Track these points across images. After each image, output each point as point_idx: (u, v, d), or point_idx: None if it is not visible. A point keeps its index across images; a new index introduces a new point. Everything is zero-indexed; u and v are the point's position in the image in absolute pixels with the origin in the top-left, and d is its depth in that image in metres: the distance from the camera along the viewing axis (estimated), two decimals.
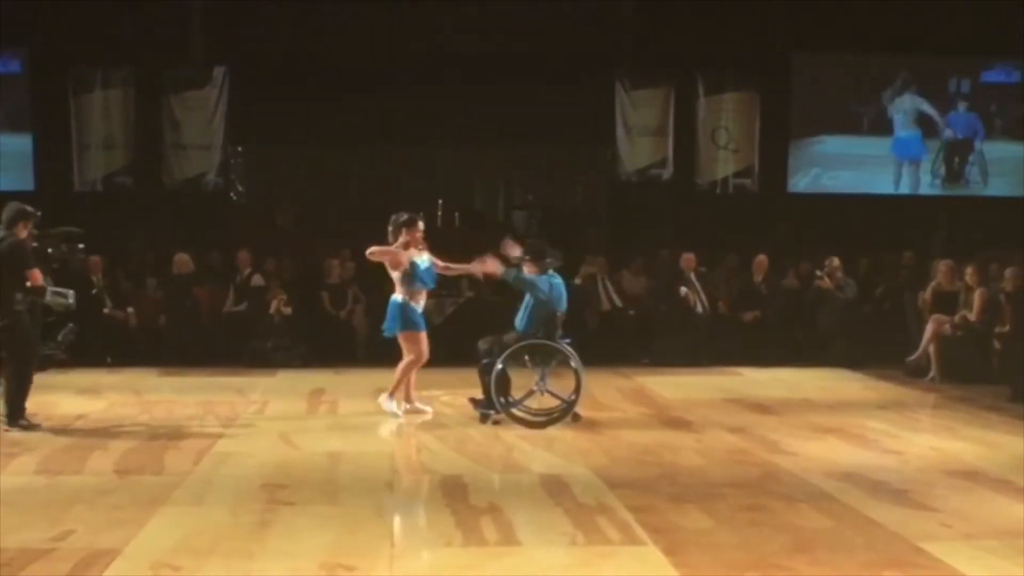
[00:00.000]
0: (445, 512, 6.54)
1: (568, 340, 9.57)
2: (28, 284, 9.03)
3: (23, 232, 9.15)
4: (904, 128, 17.80)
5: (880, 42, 17.06)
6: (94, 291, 13.86)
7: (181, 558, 5.55)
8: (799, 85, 17.58)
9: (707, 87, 17.37)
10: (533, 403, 9.60)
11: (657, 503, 6.73)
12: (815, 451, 8.45)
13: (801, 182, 17.68)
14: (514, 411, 9.43)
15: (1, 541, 5.77)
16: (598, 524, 6.23)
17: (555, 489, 7.10)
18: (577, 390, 9.41)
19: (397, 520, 6.30)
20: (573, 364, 9.43)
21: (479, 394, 9.58)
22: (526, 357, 9.47)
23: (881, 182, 17.84)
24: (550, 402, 9.57)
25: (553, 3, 16.90)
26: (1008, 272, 12.54)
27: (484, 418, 9.44)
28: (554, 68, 16.51)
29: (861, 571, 5.42)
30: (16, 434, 8.84)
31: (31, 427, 9.04)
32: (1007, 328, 12.20)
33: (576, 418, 9.45)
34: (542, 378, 9.51)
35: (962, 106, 17.82)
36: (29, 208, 9.28)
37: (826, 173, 17.74)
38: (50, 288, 9.31)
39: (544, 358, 9.51)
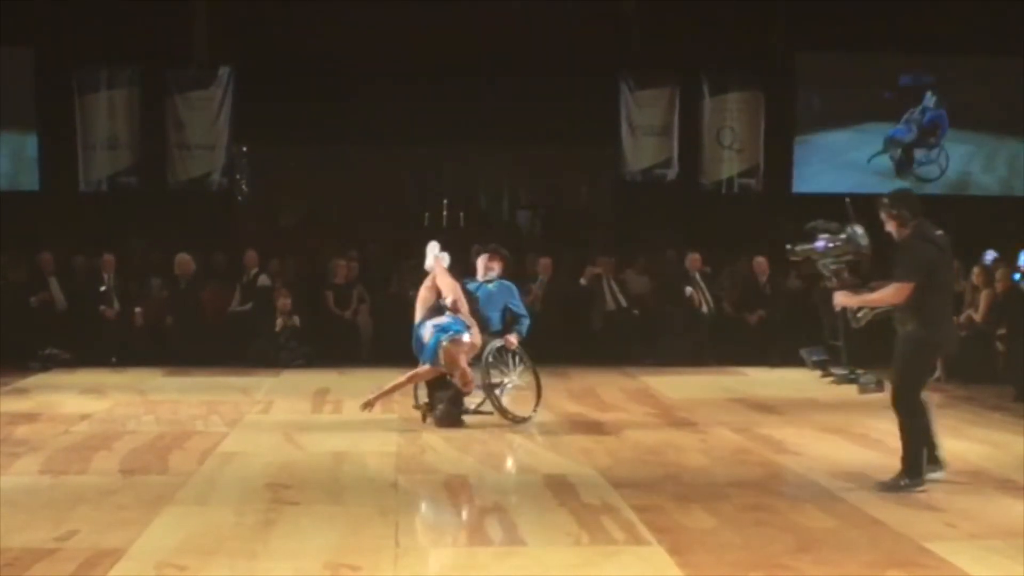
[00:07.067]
0: (449, 512, 6.54)
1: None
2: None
3: None
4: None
5: (884, 41, 17.03)
6: (103, 288, 13.93)
7: (185, 558, 5.55)
8: (804, 85, 17.56)
9: (712, 87, 17.35)
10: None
11: (662, 503, 6.72)
12: (820, 451, 8.46)
13: (805, 182, 17.65)
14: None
15: (5, 541, 5.77)
16: (602, 524, 6.23)
17: (559, 489, 7.09)
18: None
19: (401, 520, 6.29)
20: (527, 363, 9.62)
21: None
22: (490, 357, 9.51)
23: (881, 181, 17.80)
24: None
25: (557, 3, 16.89)
26: (998, 273, 12.49)
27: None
28: (559, 68, 16.50)
29: (866, 571, 5.42)
30: (23, 433, 8.87)
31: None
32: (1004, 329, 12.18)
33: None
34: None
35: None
36: None
37: (830, 173, 17.71)
38: None
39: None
